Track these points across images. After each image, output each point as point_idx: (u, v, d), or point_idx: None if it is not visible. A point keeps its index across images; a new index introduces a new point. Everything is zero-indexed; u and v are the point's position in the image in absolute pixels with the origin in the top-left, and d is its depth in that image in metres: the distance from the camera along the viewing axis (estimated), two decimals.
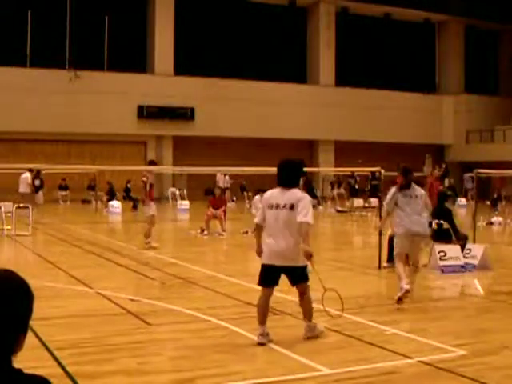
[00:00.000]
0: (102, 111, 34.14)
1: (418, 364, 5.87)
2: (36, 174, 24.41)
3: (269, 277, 6.67)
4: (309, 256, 6.49)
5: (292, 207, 6.57)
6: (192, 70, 36.67)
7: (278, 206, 6.65)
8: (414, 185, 9.47)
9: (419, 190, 9.48)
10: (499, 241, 18.68)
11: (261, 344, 6.46)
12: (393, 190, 9.42)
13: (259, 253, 6.90)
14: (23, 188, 23.84)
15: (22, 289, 1.94)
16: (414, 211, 9.18)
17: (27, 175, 24.13)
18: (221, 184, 29.03)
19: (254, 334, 6.75)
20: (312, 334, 6.76)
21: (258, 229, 6.97)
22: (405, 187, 9.34)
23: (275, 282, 6.69)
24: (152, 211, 14.74)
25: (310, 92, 39.81)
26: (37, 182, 24.53)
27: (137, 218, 25.66)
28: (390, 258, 11.47)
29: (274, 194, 6.80)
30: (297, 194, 6.70)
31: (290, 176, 6.78)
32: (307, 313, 6.80)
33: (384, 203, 9.83)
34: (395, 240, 9.47)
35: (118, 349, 6.31)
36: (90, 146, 34.72)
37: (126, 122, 34.90)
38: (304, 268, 6.68)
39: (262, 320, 6.63)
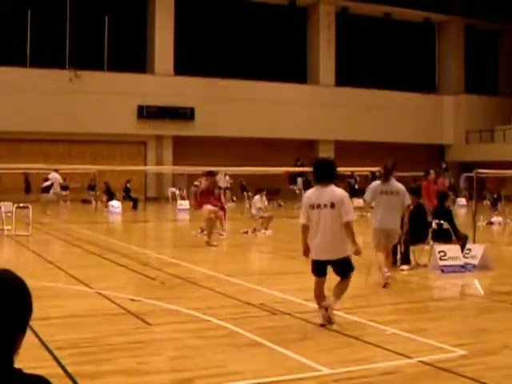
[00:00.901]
0: (102, 111, 34.13)
1: (417, 364, 5.86)
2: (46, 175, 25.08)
3: (319, 269, 7.19)
4: (359, 253, 7.18)
5: (333, 205, 6.96)
6: (192, 69, 36.66)
7: (319, 206, 7.02)
8: (393, 180, 9.89)
9: (399, 186, 9.79)
10: (499, 241, 18.67)
11: (322, 325, 6.97)
12: (374, 184, 10.03)
13: (306, 252, 7.25)
14: (57, 188, 24.61)
15: (20, 288, 1.94)
16: (391, 208, 9.65)
17: (56, 175, 24.81)
18: (221, 184, 28.99)
19: (254, 334, 6.75)
20: (330, 311, 7.07)
21: (304, 229, 7.23)
22: (384, 181, 9.68)
23: (325, 272, 7.22)
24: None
25: (310, 92, 39.79)
26: (48, 182, 24.82)
27: (137, 217, 25.70)
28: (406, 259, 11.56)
29: (313, 194, 7.17)
30: (335, 191, 7.10)
31: (326, 173, 7.19)
32: (339, 293, 7.26)
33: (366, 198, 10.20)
34: (372, 233, 10.08)
35: (118, 349, 6.30)
36: (90, 145, 34.74)
37: (126, 122, 34.90)
38: (348, 258, 7.15)
39: (319, 302, 7.15)
